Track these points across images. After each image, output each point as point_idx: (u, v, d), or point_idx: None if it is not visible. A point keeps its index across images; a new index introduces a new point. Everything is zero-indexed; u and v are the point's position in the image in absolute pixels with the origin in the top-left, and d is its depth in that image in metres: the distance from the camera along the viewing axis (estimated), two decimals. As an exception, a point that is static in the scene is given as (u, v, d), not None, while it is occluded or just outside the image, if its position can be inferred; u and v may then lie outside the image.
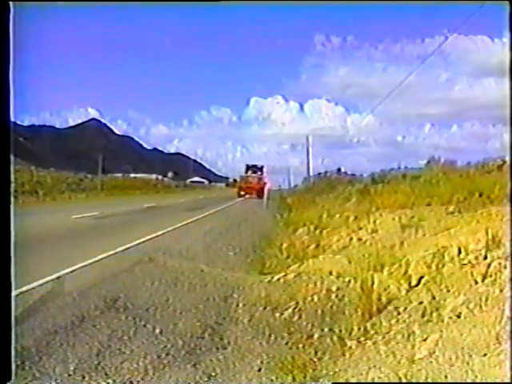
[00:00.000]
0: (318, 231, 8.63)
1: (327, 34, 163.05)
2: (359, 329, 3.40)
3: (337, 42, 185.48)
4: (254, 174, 33.03)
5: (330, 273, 4.86)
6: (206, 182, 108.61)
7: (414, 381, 2.52)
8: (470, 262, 3.73)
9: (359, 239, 6.74)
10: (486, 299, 3.05)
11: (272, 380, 2.83)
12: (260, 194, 22.48)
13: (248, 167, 34.86)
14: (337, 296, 4.18)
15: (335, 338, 3.36)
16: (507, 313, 2.72)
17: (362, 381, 2.66)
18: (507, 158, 9.00)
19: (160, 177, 72.68)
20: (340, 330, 3.48)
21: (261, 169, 34.34)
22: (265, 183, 27.91)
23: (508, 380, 2.25)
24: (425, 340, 2.86)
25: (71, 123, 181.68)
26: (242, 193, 31.10)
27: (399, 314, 3.42)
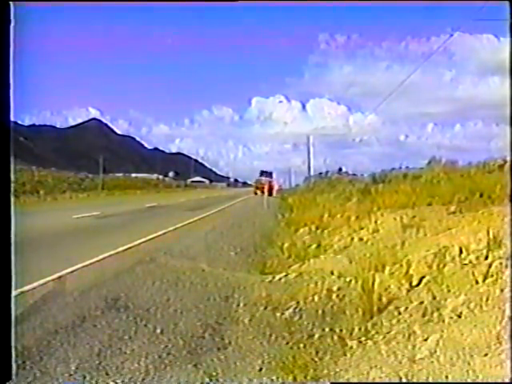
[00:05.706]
0: (319, 231, 8.63)
1: (331, 32, 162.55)
2: (360, 329, 3.40)
3: (341, 41, 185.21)
4: (265, 178, 39.59)
5: (331, 273, 4.86)
6: (207, 181, 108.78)
7: (414, 381, 2.52)
8: (471, 262, 3.73)
9: (360, 239, 6.74)
10: (487, 299, 3.04)
11: (273, 380, 2.82)
12: (270, 192, 26.90)
13: (261, 172, 43.28)
14: (338, 296, 4.17)
15: (336, 338, 3.35)
16: (508, 313, 2.72)
17: (363, 381, 2.66)
18: (508, 158, 9.00)
19: (161, 177, 72.87)
20: (341, 330, 3.47)
21: (271, 174, 42.49)
22: (274, 185, 34.02)
23: (509, 380, 2.24)
24: (426, 340, 2.86)
25: (72, 123, 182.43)
26: (257, 191, 37.91)
27: (400, 313, 3.41)
